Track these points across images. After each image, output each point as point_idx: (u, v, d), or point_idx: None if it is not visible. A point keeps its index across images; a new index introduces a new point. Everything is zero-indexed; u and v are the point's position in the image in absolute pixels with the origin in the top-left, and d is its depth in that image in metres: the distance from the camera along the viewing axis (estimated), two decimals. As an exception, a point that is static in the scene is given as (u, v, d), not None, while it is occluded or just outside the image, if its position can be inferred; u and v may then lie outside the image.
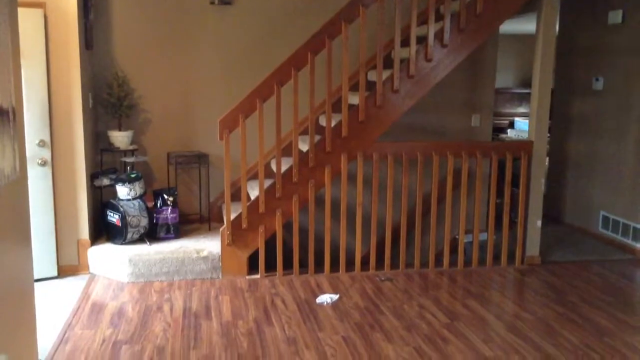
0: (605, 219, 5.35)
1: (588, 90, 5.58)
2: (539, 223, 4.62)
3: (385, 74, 4.30)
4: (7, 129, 2.43)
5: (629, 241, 5.05)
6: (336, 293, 4.00)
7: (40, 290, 3.95)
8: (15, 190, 2.61)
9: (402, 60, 4.28)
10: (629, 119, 5.08)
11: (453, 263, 4.61)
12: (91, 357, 3.06)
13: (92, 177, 4.48)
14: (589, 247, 5.20)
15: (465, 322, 3.57)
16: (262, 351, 3.16)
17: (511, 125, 9.36)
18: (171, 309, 3.71)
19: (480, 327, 3.50)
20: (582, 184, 5.71)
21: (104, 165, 4.75)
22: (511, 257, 4.66)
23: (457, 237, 4.70)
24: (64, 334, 3.34)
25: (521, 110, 9.06)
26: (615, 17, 5.18)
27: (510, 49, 8.92)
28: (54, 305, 3.77)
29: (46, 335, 3.28)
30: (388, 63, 4.44)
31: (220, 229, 4.29)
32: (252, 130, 4.21)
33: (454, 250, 4.64)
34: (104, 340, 3.26)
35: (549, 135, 6.27)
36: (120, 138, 4.61)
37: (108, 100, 4.68)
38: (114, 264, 4.23)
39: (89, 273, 4.35)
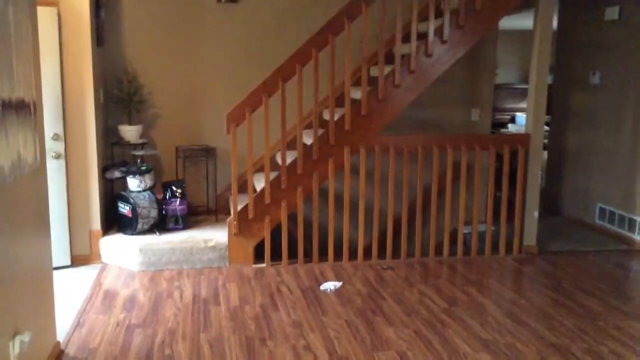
0: (602, 211, 5.48)
1: (585, 85, 5.71)
2: (536, 214, 4.76)
3: (387, 69, 4.44)
4: (29, 121, 2.59)
5: (625, 232, 5.18)
6: (339, 281, 4.15)
7: (55, 279, 4.08)
8: (36, 178, 2.77)
9: (403, 56, 4.42)
10: (624, 112, 5.21)
11: (453, 253, 4.76)
12: (106, 339, 3.22)
13: (104, 170, 4.64)
14: (586, 238, 5.34)
15: (463, 308, 3.71)
16: (268, 333, 3.31)
17: (512, 120, 9.49)
18: (181, 296, 3.87)
19: (477, 312, 3.65)
20: (580, 176, 5.84)
21: (115, 158, 4.90)
22: (509, 247, 4.81)
23: (457, 228, 4.84)
24: (80, 319, 3.50)
25: (523, 105, 9.17)
26: (612, 13, 5.31)
27: (513, 45, 9.06)
28: (68, 292, 3.92)
29: (62, 320, 3.42)
30: (390, 59, 4.58)
31: (228, 220, 4.45)
32: (258, 125, 4.35)
33: (453, 241, 4.79)
34: (117, 324, 3.42)
35: (548, 129, 6.41)
36: (130, 132, 4.77)
37: (118, 96, 4.84)
38: (125, 253, 4.39)
39: (101, 262, 4.52)
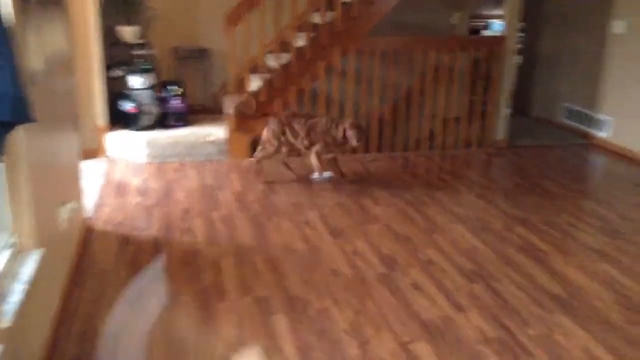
0: (567, 110, 5.97)
1: (559, -9, 6.04)
2: (507, 111, 5.22)
3: (375, -28, 4.68)
4: (64, 14, 2.86)
5: (586, 128, 5.70)
6: (329, 171, 4.59)
7: (69, 169, 4.47)
8: (67, 70, 3.07)
9: (390, -40, 4.66)
10: (593, 17, 5.58)
11: (431, 148, 5.22)
12: (129, 216, 3.65)
13: (107, 68, 4.88)
14: (552, 135, 5.85)
15: (441, 191, 4.22)
16: (273, 211, 3.77)
17: (486, 27, 9.76)
18: (189, 183, 4.28)
19: (453, 194, 4.15)
20: (549, 79, 6.28)
21: (112, 58, 5.13)
22: (481, 142, 5.29)
23: (432, 129, 5.28)
24: (100, 201, 3.91)
25: (497, 12, 9.43)
26: None
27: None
28: (84, 181, 4.28)
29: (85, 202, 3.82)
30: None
31: (226, 116, 4.79)
32: (253, 27, 4.60)
33: (431, 138, 5.24)
34: (136, 205, 3.84)
35: (522, 35, 6.75)
36: (128, 32, 4.97)
37: (116, -3, 5.00)
38: (131, 147, 4.74)
39: (107, 156, 4.87)
